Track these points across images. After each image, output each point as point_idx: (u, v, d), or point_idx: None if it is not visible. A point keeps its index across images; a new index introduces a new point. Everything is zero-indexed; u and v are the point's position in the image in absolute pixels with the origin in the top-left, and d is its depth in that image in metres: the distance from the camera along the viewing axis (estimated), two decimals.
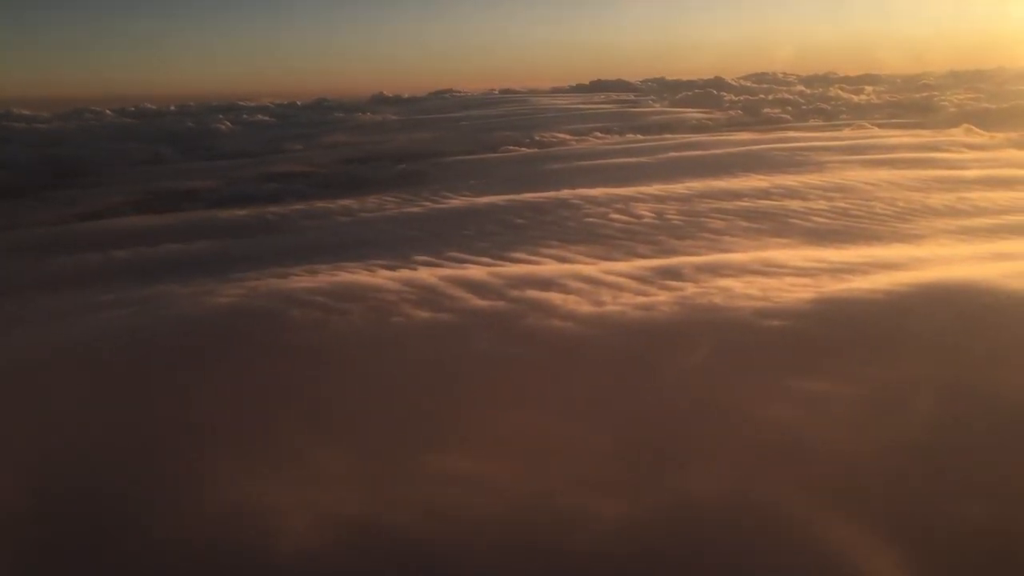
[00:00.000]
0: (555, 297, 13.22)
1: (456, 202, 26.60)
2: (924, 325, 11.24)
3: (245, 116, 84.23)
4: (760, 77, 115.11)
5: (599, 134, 59.57)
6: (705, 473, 9.00)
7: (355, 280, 14.54)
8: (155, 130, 72.06)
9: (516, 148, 51.96)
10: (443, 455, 9.25)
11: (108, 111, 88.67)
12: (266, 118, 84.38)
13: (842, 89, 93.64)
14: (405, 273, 15.39)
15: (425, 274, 15.11)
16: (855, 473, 8.88)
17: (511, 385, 10.52)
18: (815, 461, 9.07)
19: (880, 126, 54.86)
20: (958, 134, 47.61)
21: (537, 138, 57.62)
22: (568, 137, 58.50)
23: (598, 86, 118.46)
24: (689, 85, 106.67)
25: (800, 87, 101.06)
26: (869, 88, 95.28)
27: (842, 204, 22.64)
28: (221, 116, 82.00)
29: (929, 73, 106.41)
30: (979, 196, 23.42)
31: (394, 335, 11.76)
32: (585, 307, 12.72)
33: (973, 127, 49.63)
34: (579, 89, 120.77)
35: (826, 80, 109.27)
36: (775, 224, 20.51)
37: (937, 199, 23.11)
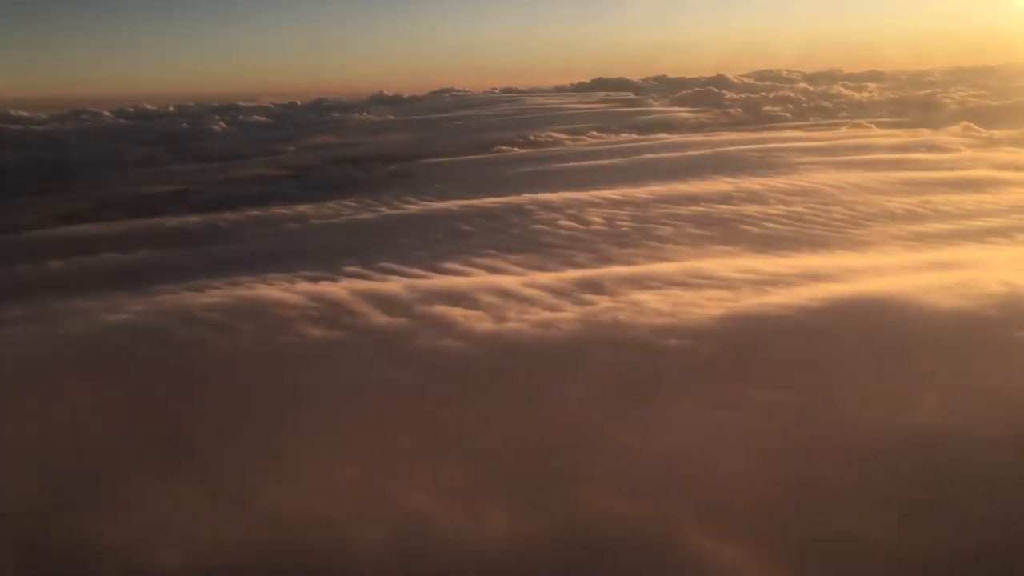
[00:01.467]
0: (459, 313, 12.81)
1: (413, 208, 26.23)
2: (822, 346, 10.79)
3: (241, 117, 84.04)
4: (763, 74, 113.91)
5: (595, 133, 59.02)
6: (566, 501, 8.63)
7: (263, 295, 14.16)
8: (149, 132, 71.93)
9: (509, 148, 51.51)
10: (304, 487, 8.88)
11: (106, 112, 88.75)
12: (262, 119, 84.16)
13: (845, 87, 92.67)
14: (323, 286, 14.98)
15: (340, 288, 14.72)
16: (725, 497, 8.51)
17: (384, 411, 10.11)
18: (688, 488, 8.70)
19: (879, 124, 54.10)
20: (956, 132, 46.88)
21: (532, 138, 57.09)
22: (563, 136, 57.97)
23: (599, 84, 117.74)
24: (691, 83, 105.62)
25: (803, 84, 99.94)
26: (872, 85, 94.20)
27: (800, 209, 22.10)
28: (217, 117, 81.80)
29: (934, 69, 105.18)
30: (943, 199, 22.86)
31: (275, 357, 11.40)
32: (485, 325, 12.31)
33: (972, 125, 48.82)
34: (580, 88, 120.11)
35: (830, 77, 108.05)
36: (725, 230, 20.00)
37: (899, 203, 22.54)
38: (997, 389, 9.18)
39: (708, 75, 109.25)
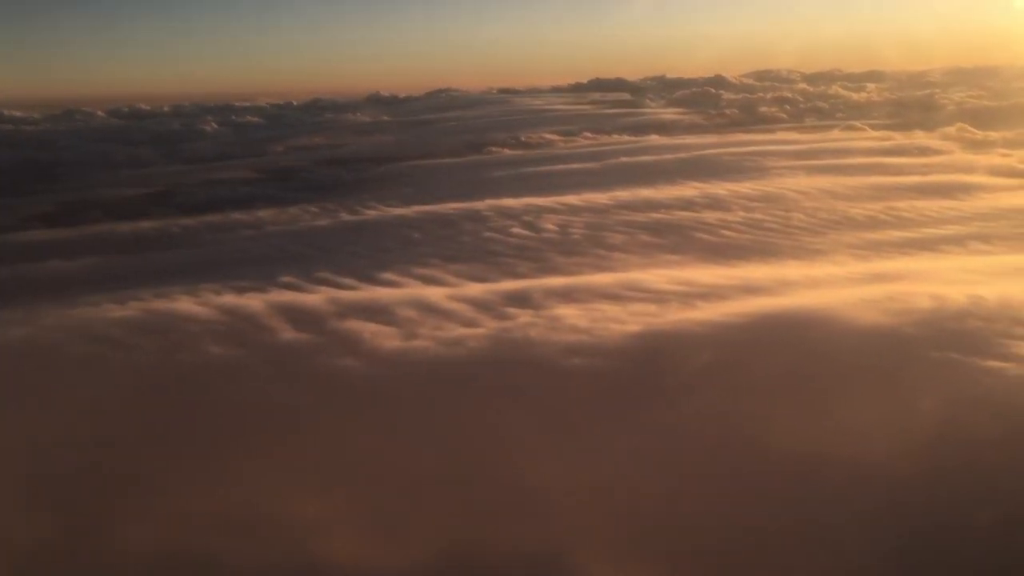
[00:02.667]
0: (370, 329, 12.40)
1: (372, 213, 25.73)
2: (730, 366, 10.36)
3: (234, 117, 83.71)
4: (763, 75, 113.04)
5: (588, 134, 58.54)
6: (445, 533, 8.27)
7: (177, 309, 13.74)
8: (140, 132, 71.62)
9: (499, 150, 51.09)
10: (180, 516, 8.49)
11: (100, 112, 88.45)
12: (255, 119, 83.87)
13: (843, 87, 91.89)
14: (246, 299, 14.60)
15: (261, 300, 14.31)
16: (615, 523, 8.24)
17: (268, 434, 9.69)
18: (578, 514, 8.38)
19: (873, 126, 53.30)
20: (950, 134, 46.22)
21: (523, 139, 56.65)
22: (556, 138, 57.50)
23: (596, 85, 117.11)
24: (689, 84, 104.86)
25: (803, 85, 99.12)
26: (871, 86, 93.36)
27: (759, 216, 21.61)
28: (209, 118, 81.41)
29: (934, 70, 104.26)
30: (908, 205, 22.34)
31: (165, 377, 10.97)
32: (392, 342, 11.90)
33: (967, 127, 48.11)
34: (577, 88, 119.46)
35: (830, 77, 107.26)
36: (678, 238, 19.53)
37: (862, 209, 22.03)
38: (893, 413, 8.75)
39: (707, 75, 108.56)
